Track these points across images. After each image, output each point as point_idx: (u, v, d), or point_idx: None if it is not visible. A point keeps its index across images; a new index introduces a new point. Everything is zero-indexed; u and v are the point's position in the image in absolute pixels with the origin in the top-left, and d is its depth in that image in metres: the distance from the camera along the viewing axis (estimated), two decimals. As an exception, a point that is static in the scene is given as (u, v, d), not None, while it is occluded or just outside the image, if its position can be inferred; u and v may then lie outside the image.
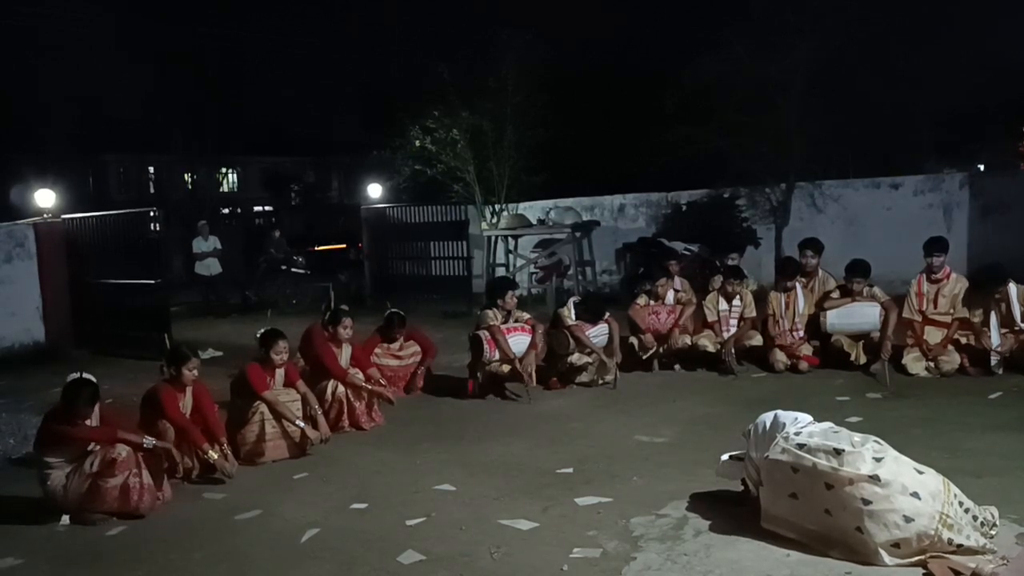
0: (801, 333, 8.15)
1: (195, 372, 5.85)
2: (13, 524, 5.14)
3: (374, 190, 18.25)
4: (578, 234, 14.27)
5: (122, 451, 5.06)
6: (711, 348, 8.24)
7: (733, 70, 13.00)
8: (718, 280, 8.67)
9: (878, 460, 3.92)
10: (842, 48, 12.94)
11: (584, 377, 8.01)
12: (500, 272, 14.33)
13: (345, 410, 6.87)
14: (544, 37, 14.78)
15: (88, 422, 5.19)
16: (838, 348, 7.97)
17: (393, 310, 8.31)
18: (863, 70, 13.76)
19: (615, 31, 20.87)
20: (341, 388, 6.86)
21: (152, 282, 11.18)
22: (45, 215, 12.20)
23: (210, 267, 15.62)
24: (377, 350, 8.02)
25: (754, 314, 8.37)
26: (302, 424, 6.14)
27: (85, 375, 5.23)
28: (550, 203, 15.48)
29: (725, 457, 4.71)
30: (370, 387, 7.01)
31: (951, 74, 15.22)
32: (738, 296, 8.36)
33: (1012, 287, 7.48)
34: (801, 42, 12.83)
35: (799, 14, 12.83)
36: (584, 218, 14.76)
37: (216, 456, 5.66)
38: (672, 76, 13.67)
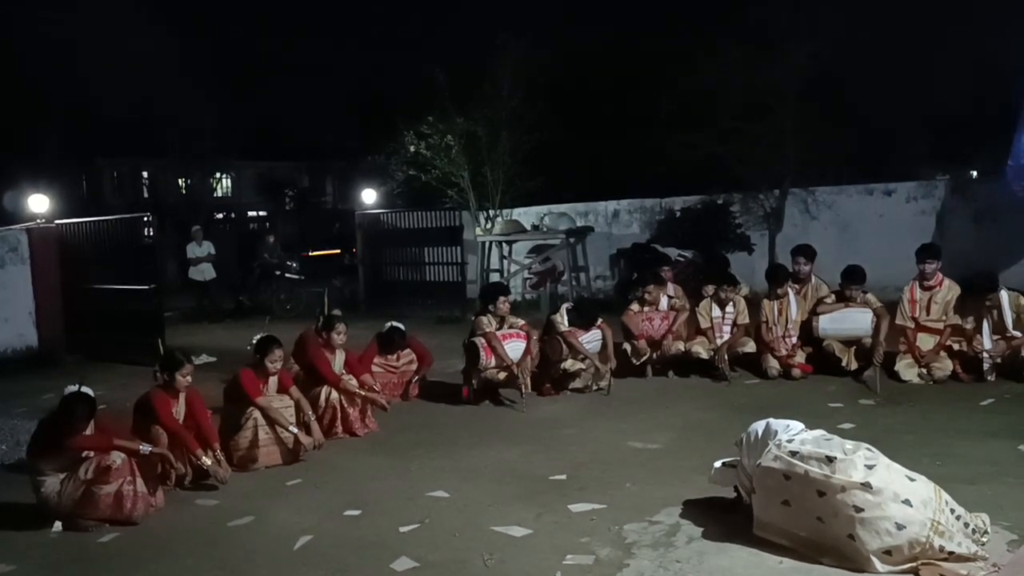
0: (795, 340, 8.18)
1: (189, 378, 5.85)
2: (5, 530, 5.12)
3: (368, 195, 18.29)
4: (572, 240, 14.30)
5: (116, 459, 5.05)
6: (704, 354, 8.25)
7: (728, 76, 13.06)
8: (711, 287, 8.67)
9: (870, 467, 3.93)
10: (837, 55, 13.01)
11: (578, 383, 8.01)
12: (495, 278, 14.34)
13: (339, 416, 6.86)
14: (539, 42, 14.83)
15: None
16: (830, 353, 7.99)
17: (394, 324, 8.25)
18: (858, 76, 13.84)
19: (611, 36, 20.89)
20: (335, 394, 6.86)
21: (146, 287, 11.16)
22: (39, 220, 12.18)
23: (204, 272, 15.59)
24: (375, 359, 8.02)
25: (747, 320, 8.39)
26: (295, 430, 6.13)
27: (83, 388, 5.21)
28: (544, 209, 15.51)
29: (718, 464, 4.72)
30: (364, 393, 7.00)
31: (945, 80, 15.32)
32: (731, 303, 8.38)
33: (1003, 293, 7.52)
34: (796, 48, 12.89)
35: (794, 21, 12.90)
36: (578, 224, 14.81)
37: (209, 462, 5.66)
38: (668, 82, 13.72)
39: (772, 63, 12.98)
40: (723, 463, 4.70)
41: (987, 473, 5.06)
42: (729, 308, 8.38)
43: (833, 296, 8.14)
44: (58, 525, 5.10)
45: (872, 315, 7.79)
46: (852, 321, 7.88)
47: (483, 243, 14.79)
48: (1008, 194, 11.27)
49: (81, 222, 12.49)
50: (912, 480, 3.97)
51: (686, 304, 8.69)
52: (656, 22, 19.76)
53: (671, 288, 8.94)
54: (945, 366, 7.57)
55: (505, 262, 14.91)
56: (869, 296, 7.98)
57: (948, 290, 7.77)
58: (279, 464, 6.14)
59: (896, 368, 7.68)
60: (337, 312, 7.73)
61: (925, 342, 7.74)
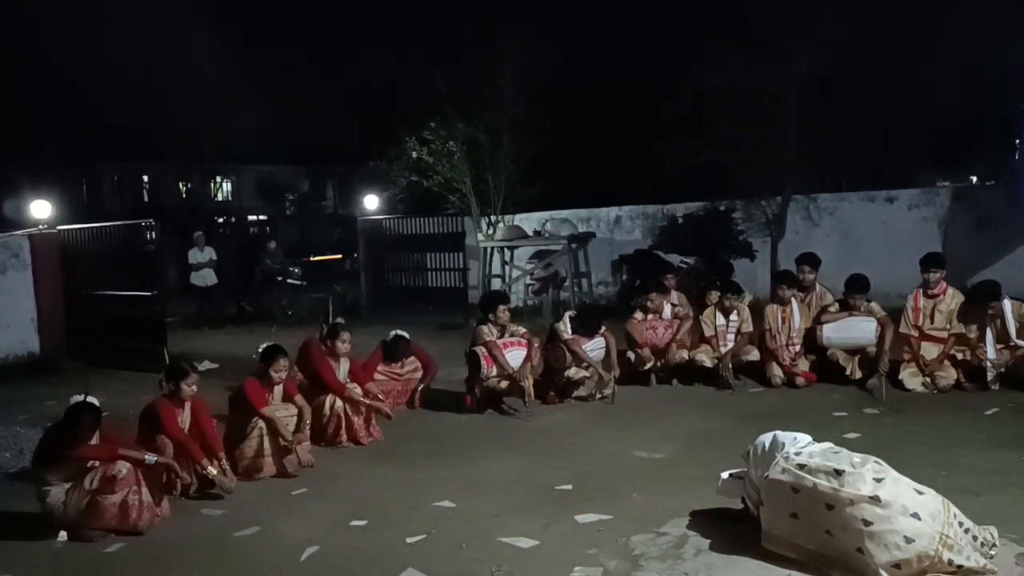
0: (798, 348, 8.17)
1: (194, 387, 5.83)
2: (10, 540, 5.11)
3: (370, 201, 18.31)
4: (574, 246, 14.30)
5: (122, 468, 5.04)
6: (708, 363, 8.25)
7: (730, 82, 13.07)
8: (715, 295, 8.68)
9: (878, 481, 3.93)
10: (838, 61, 13.03)
11: (582, 391, 8.00)
12: (496, 284, 14.34)
13: (343, 425, 6.84)
14: (541, 48, 14.85)
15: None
16: (834, 362, 7.99)
17: (399, 332, 8.23)
18: (859, 82, 13.86)
19: (613, 42, 20.97)
20: (339, 403, 6.83)
21: (148, 294, 11.14)
22: (41, 226, 12.17)
23: (206, 277, 15.59)
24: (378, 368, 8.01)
25: (751, 328, 8.38)
26: (295, 448, 6.09)
27: (89, 398, 5.20)
28: (546, 214, 15.53)
29: (725, 475, 4.71)
30: (368, 402, 6.98)
31: (945, 86, 15.34)
32: (735, 311, 8.38)
33: (1006, 303, 7.53)
34: (798, 54, 12.91)
35: (796, 27, 12.92)
36: (580, 230, 14.80)
37: (215, 471, 5.64)
38: (670, 87, 13.74)
39: (773, 69, 13.00)
40: (730, 474, 4.69)
41: (994, 484, 5.06)
42: (733, 316, 8.38)
43: (837, 305, 8.14)
44: (63, 535, 5.08)
45: (876, 324, 7.79)
46: (856, 330, 7.88)
47: (485, 249, 14.80)
48: (1018, 206, 11.32)
49: (83, 228, 12.47)
50: (920, 493, 3.96)
51: (690, 312, 8.69)
52: (658, 28, 19.80)
53: (675, 296, 8.95)
54: (949, 375, 7.57)
55: (507, 268, 14.92)
56: (873, 305, 7.98)
57: (952, 299, 7.78)
58: (284, 474, 6.13)
59: (900, 377, 7.68)
60: (341, 320, 7.72)
61: (929, 351, 7.75)
